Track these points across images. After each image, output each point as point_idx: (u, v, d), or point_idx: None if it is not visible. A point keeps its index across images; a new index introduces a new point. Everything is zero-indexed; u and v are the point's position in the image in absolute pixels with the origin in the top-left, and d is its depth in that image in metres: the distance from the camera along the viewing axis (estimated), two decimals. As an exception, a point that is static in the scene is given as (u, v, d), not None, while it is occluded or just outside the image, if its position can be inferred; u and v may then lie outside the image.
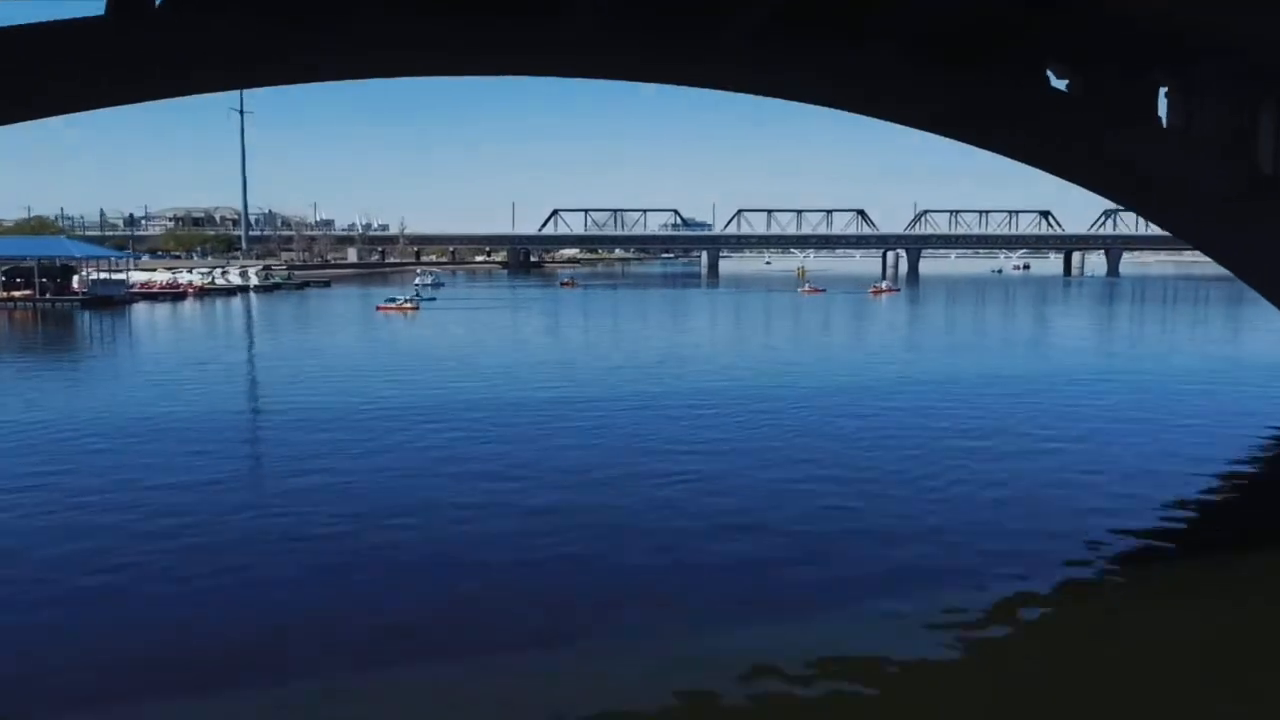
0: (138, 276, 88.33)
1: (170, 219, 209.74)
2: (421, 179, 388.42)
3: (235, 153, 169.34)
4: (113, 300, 73.64)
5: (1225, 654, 11.07)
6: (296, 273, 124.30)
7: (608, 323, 62.99)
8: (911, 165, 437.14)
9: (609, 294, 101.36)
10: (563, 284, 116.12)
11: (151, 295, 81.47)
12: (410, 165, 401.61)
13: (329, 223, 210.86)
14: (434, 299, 78.31)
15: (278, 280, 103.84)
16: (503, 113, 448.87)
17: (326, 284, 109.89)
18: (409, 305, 68.26)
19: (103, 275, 79.47)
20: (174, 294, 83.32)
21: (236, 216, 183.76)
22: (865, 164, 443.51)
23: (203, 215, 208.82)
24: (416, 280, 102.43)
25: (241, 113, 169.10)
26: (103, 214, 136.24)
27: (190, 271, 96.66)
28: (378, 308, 69.07)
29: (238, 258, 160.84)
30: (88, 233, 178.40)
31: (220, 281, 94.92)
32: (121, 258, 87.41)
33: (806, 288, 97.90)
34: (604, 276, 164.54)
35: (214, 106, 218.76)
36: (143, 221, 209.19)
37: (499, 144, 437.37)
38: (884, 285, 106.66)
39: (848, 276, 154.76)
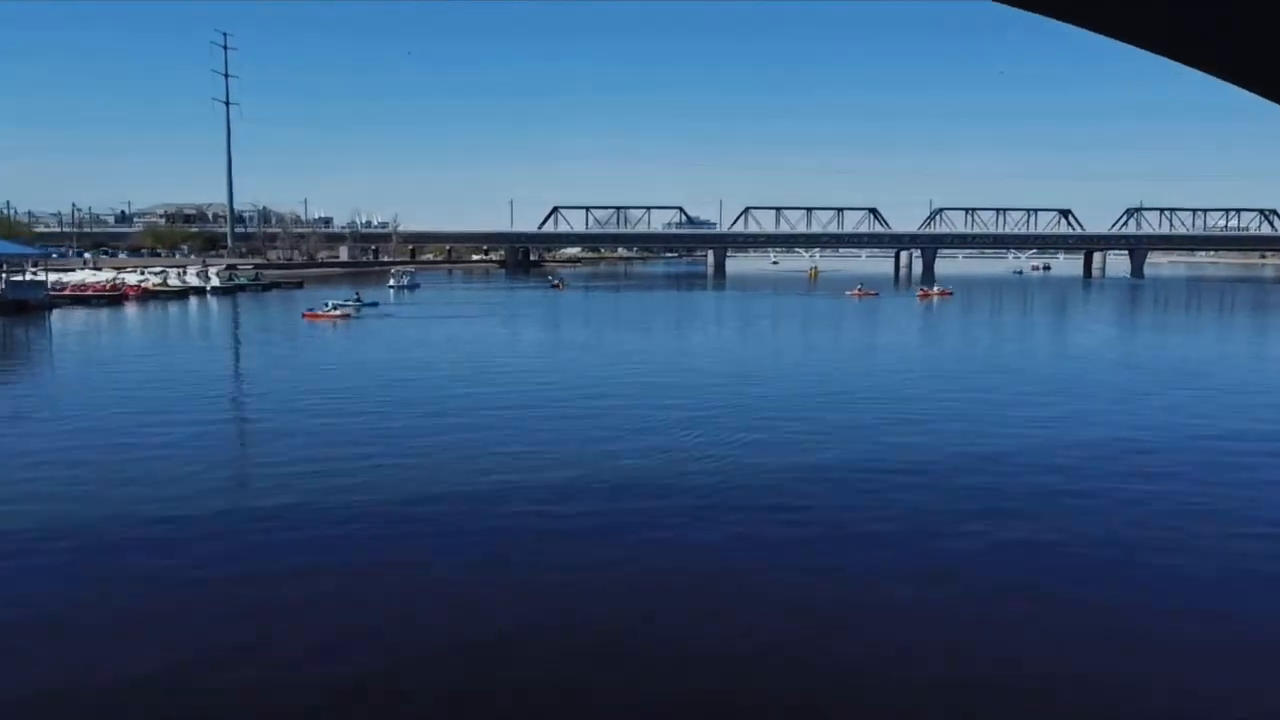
0: (74, 277, 76.19)
1: (161, 215, 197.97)
2: (419, 176, 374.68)
3: (237, 150, 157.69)
4: (28, 305, 61.41)
5: None
6: (275, 272, 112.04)
7: (606, 342, 50.05)
8: (926, 162, 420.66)
9: (609, 298, 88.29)
10: (552, 285, 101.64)
11: (83, 298, 69.19)
12: (408, 162, 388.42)
13: (328, 220, 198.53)
14: (376, 304, 65.13)
15: (242, 281, 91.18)
16: (503, 107, 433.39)
17: (298, 285, 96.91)
18: (338, 313, 56.26)
19: (17, 277, 67.37)
20: (111, 297, 70.87)
21: (227, 212, 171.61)
22: (877, 160, 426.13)
23: (194, 211, 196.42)
24: (391, 282, 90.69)
25: (227, 104, 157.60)
26: (74, 209, 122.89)
27: (140, 271, 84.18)
28: (304, 315, 57.02)
29: (222, 256, 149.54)
30: (64, 229, 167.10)
31: (174, 282, 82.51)
32: (41, 255, 74.91)
33: (857, 290, 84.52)
34: (606, 277, 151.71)
35: (212, 103, 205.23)
36: (133, 219, 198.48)
37: (497, 139, 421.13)
38: (935, 289, 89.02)
39: (864, 278, 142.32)
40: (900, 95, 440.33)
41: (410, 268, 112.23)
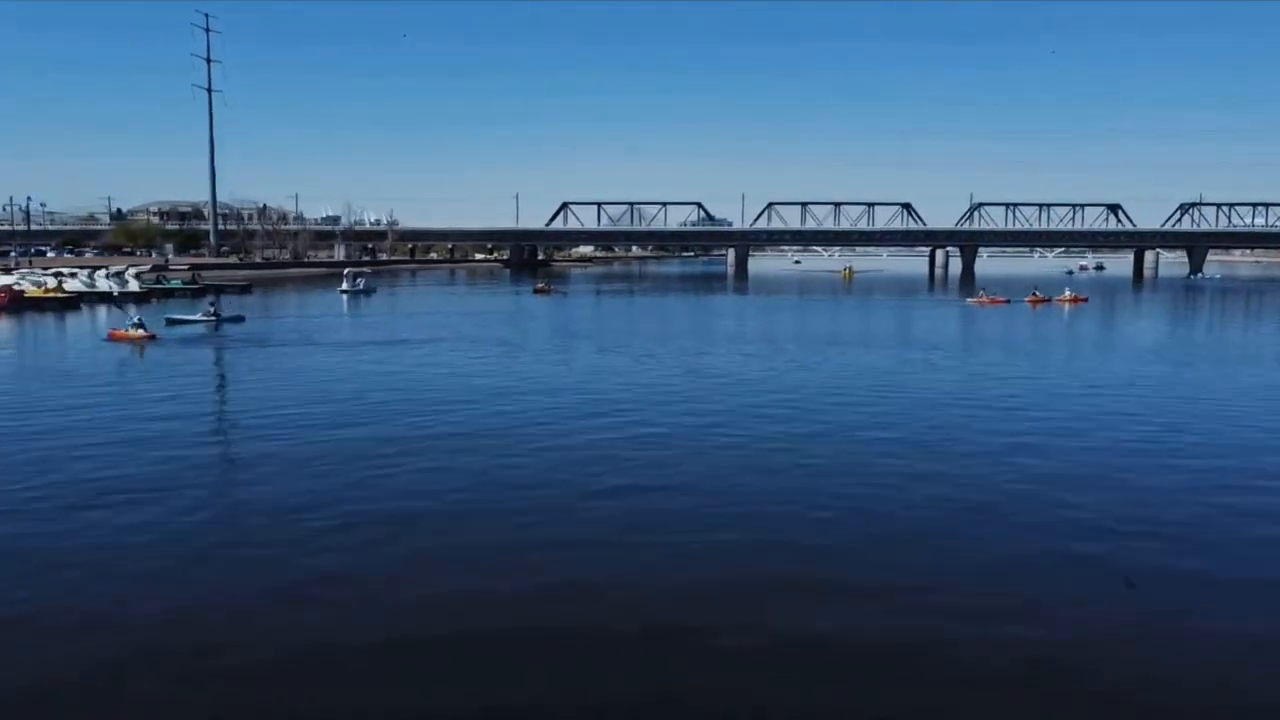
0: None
1: (154, 213, 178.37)
2: (425, 174, 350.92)
3: (234, 146, 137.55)
4: None
5: None
6: (245, 272, 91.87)
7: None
8: (962, 153, 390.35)
9: (619, 306, 66.86)
10: (536, 290, 77.95)
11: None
12: (414, 160, 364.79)
13: (335, 219, 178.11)
14: (241, 319, 45.18)
15: (172, 285, 70.28)
16: (506, 102, 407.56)
17: (246, 288, 75.58)
18: (140, 334, 36.27)
19: None
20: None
21: (225, 210, 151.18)
22: (910, 152, 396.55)
23: (189, 209, 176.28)
24: (343, 285, 70.27)
25: (209, 90, 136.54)
26: (28, 200, 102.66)
27: (20, 273, 63.57)
28: (109, 334, 37.52)
29: (203, 253, 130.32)
30: (49, 226, 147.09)
31: (76, 286, 61.82)
32: None
33: (983, 297, 63.57)
34: (620, 278, 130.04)
35: (193, 90, 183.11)
36: (126, 216, 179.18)
37: (506, 135, 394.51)
38: (1067, 294, 64.94)
39: (900, 279, 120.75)
40: (936, 87, 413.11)
41: (366, 269, 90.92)
